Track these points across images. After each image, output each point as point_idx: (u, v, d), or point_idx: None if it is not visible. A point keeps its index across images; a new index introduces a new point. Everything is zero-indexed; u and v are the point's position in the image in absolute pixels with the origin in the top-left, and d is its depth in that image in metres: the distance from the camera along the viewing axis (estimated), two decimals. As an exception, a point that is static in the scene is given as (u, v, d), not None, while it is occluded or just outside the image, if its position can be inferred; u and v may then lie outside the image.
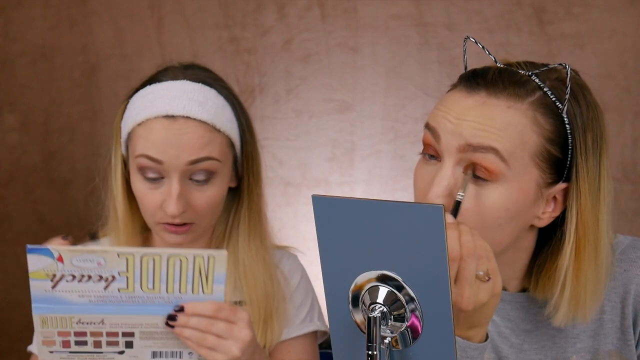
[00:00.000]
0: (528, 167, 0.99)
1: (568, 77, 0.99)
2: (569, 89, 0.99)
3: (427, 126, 1.03)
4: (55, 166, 2.34)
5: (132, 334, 1.10)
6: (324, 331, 1.38)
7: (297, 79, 2.23)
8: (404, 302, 0.82)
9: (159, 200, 1.23)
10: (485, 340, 0.96)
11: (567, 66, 1.00)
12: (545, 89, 1.00)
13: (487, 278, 0.91)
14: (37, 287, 1.04)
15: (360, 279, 0.84)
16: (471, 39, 1.06)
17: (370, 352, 0.81)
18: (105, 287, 1.06)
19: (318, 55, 2.21)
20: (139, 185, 1.25)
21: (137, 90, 1.29)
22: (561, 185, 1.02)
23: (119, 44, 2.28)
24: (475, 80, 1.01)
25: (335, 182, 2.23)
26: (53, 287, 1.04)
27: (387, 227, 0.80)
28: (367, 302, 0.83)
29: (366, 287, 0.83)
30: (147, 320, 1.09)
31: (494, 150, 0.97)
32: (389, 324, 0.83)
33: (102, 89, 2.30)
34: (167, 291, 1.07)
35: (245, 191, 1.32)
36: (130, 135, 1.25)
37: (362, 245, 0.82)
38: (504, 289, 1.11)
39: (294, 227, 2.17)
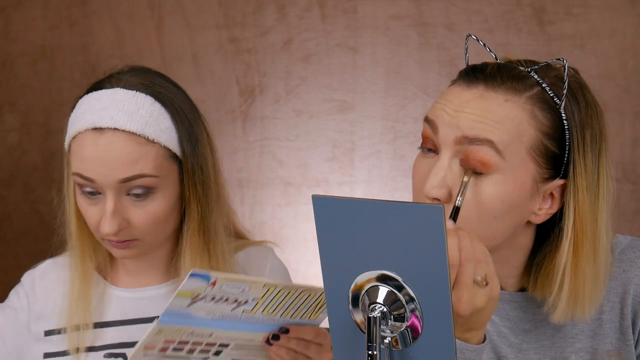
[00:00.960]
0: (524, 160, 0.99)
1: (565, 72, 1.00)
2: (566, 84, 1.00)
3: (426, 119, 1.03)
4: (55, 166, 2.33)
5: (227, 345, 1.11)
6: None
7: (297, 79, 2.23)
8: (404, 302, 0.82)
9: (98, 216, 1.17)
10: (483, 341, 0.96)
11: (564, 61, 1.01)
12: (543, 85, 1.01)
13: (485, 283, 0.90)
14: (176, 304, 1.02)
15: (360, 279, 0.84)
16: (473, 37, 1.07)
17: (370, 352, 0.81)
18: (233, 309, 1.06)
19: (318, 55, 2.21)
20: (80, 201, 1.20)
21: (76, 101, 1.23)
22: (558, 182, 1.02)
23: (119, 44, 2.28)
24: (474, 74, 1.02)
25: (335, 182, 2.23)
26: (189, 305, 1.03)
27: (387, 227, 0.80)
28: (367, 302, 0.83)
29: (366, 287, 0.83)
30: (248, 336, 1.11)
31: (489, 142, 0.97)
32: (389, 324, 0.83)
33: (102, 89, 2.30)
34: (281, 316, 1.09)
35: (190, 208, 1.23)
36: (68, 150, 1.21)
37: (362, 245, 0.82)
38: (503, 288, 1.11)
39: (294, 227, 2.17)
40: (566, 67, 1.00)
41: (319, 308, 1.11)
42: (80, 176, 1.16)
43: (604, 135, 1.04)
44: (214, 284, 1.02)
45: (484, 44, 1.05)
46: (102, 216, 1.17)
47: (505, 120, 0.98)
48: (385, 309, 0.82)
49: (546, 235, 1.07)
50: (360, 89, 2.20)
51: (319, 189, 2.21)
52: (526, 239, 1.07)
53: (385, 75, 2.19)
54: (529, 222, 1.05)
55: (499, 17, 2.10)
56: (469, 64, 1.07)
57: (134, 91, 1.17)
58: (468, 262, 0.89)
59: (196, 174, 1.21)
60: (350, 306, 0.85)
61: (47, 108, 2.32)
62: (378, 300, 0.82)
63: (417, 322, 0.83)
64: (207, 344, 1.10)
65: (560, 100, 1.00)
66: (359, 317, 0.85)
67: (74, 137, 1.18)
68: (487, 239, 0.99)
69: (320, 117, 2.23)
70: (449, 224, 0.93)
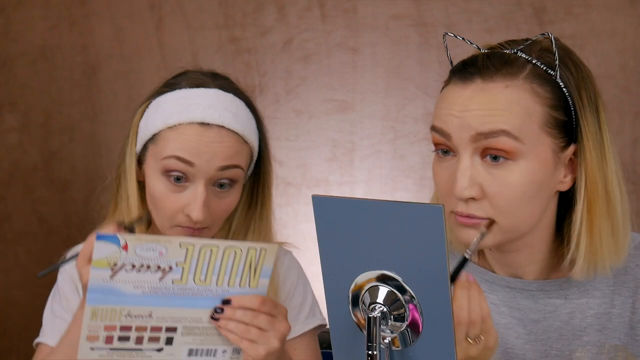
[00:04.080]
0: (540, 136, 1.02)
1: (554, 44, 1.03)
2: (556, 54, 1.03)
3: (434, 128, 1.05)
4: (55, 166, 2.34)
5: (174, 330, 1.12)
6: (322, 324, 1.39)
7: (297, 79, 2.23)
8: (403, 302, 0.82)
9: (182, 203, 1.23)
10: None
11: (549, 35, 1.04)
12: (533, 61, 1.04)
13: (477, 341, 0.94)
14: (97, 276, 1.06)
15: (360, 279, 0.84)
16: (449, 34, 1.10)
17: (370, 352, 0.81)
18: (161, 279, 1.08)
19: (318, 55, 2.21)
20: (160, 188, 1.24)
21: (160, 92, 1.28)
22: (574, 147, 1.05)
23: (119, 44, 2.28)
24: (467, 69, 1.04)
25: (335, 182, 2.23)
26: (112, 276, 1.06)
27: (387, 227, 0.80)
28: (367, 302, 0.83)
29: (366, 287, 0.83)
30: (192, 314, 1.12)
31: (504, 132, 1.00)
32: (389, 324, 0.83)
33: (102, 89, 2.30)
34: (216, 284, 1.10)
35: (258, 204, 1.34)
36: (156, 137, 1.25)
37: (362, 245, 0.82)
38: (519, 277, 1.12)
39: (294, 227, 2.17)
40: (553, 40, 1.03)
41: (255, 272, 1.11)
42: (180, 159, 1.21)
43: (597, 93, 1.07)
44: (125, 247, 1.05)
45: (463, 38, 1.09)
46: (189, 203, 1.22)
47: (512, 106, 1.01)
48: (385, 309, 0.82)
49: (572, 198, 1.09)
50: (360, 89, 2.20)
51: (319, 189, 2.21)
52: (550, 213, 1.09)
53: (385, 75, 2.19)
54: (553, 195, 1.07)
55: (499, 17, 2.10)
56: (453, 63, 1.10)
57: (232, 95, 1.27)
58: (460, 325, 0.92)
59: (266, 177, 1.35)
60: (350, 306, 0.85)
61: (47, 108, 2.32)
62: (378, 300, 0.82)
63: (417, 322, 0.83)
64: (153, 329, 1.11)
65: (554, 71, 1.03)
66: (359, 317, 0.86)
67: (171, 127, 1.23)
68: (527, 218, 1.03)
69: (320, 117, 2.23)
70: (463, 277, 0.95)
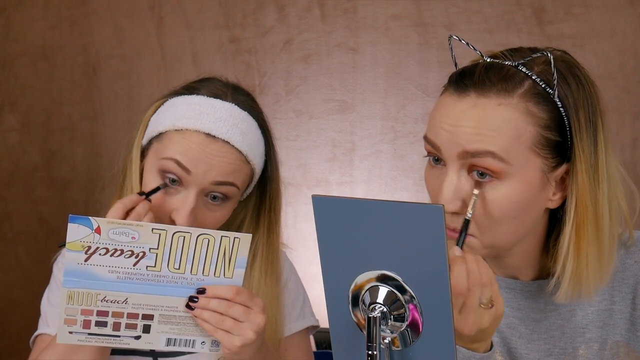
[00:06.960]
0: (528, 158, 1.00)
1: (552, 65, 1.00)
2: (555, 75, 1.00)
3: (426, 139, 1.05)
4: (55, 166, 2.34)
5: (151, 317, 1.13)
6: (314, 325, 1.39)
7: (297, 79, 2.23)
8: (403, 302, 0.82)
9: (170, 206, 1.22)
10: (490, 349, 0.98)
11: (548, 54, 1.01)
12: (533, 77, 1.01)
13: (490, 305, 0.93)
14: (72, 259, 1.07)
15: (360, 279, 0.84)
16: (454, 37, 1.08)
17: (370, 352, 0.81)
18: (135, 264, 1.09)
19: (318, 56, 2.21)
20: (152, 183, 1.24)
21: (178, 93, 1.28)
22: (566, 167, 1.03)
23: (119, 44, 2.28)
24: (464, 81, 1.02)
25: (335, 182, 2.23)
26: (86, 260, 1.08)
27: (387, 227, 0.80)
28: (367, 302, 0.83)
29: (366, 287, 0.83)
30: (168, 303, 1.12)
31: (490, 154, 0.98)
32: (389, 324, 0.83)
33: (102, 89, 2.30)
34: (191, 272, 1.11)
35: (265, 229, 1.32)
36: (162, 136, 1.25)
37: (362, 245, 0.82)
38: (517, 278, 1.12)
39: (294, 227, 2.17)
40: (552, 60, 1.00)
41: (230, 262, 1.12)
42: (178, 163, 1.20)
43: (599, 112, 1.04)
44: (98, 230, 1.07)
45: (467, 43, 1.06)
46: (178, 208, 1.21)
47: (502, 127, 0.99)
48: (385, 309, 0.82)
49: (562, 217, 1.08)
50: (360, 89, 2.21)
51: (319, 189, 2.21)
52: (542, 224, 1.09)
53: (385, 75, 2.19)
54: (545, 208, 1.06)
55: (499, 17, 2.10)
56: (462, 63, 1.08)
57: (246, 113, 1.26)
58: (474, 287, 0.91)
59: (276, 198, 1.33)
60: (350, 306, 0.85)
61: (47, 108, 2.33)
62: (378, 300, 0.82)
63: (417, 322, 0.83)
64: (129, 315, 1.12)
65: (552, 90, 1.01)
66: (359, 317, 0.86)
67: (178, 130, 1.23)
68: (508, 237, 1.02)
69: (320, 117, 2.23)
70: (456, 251, 0.95)
